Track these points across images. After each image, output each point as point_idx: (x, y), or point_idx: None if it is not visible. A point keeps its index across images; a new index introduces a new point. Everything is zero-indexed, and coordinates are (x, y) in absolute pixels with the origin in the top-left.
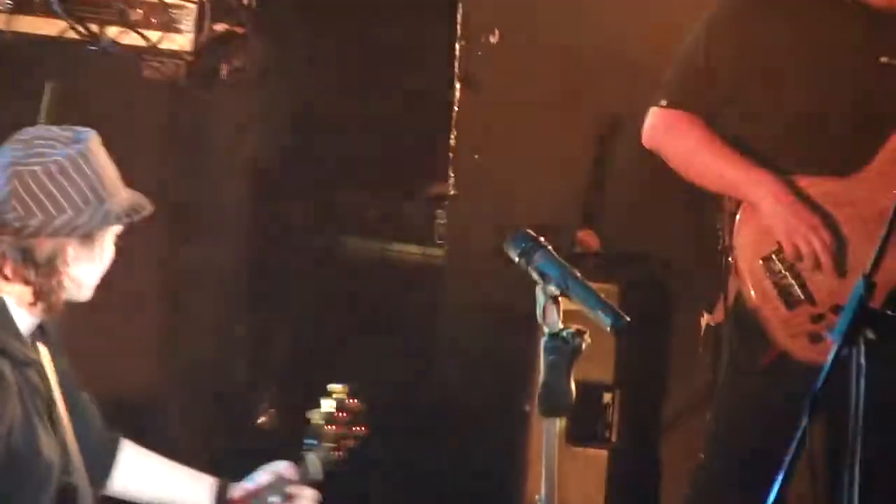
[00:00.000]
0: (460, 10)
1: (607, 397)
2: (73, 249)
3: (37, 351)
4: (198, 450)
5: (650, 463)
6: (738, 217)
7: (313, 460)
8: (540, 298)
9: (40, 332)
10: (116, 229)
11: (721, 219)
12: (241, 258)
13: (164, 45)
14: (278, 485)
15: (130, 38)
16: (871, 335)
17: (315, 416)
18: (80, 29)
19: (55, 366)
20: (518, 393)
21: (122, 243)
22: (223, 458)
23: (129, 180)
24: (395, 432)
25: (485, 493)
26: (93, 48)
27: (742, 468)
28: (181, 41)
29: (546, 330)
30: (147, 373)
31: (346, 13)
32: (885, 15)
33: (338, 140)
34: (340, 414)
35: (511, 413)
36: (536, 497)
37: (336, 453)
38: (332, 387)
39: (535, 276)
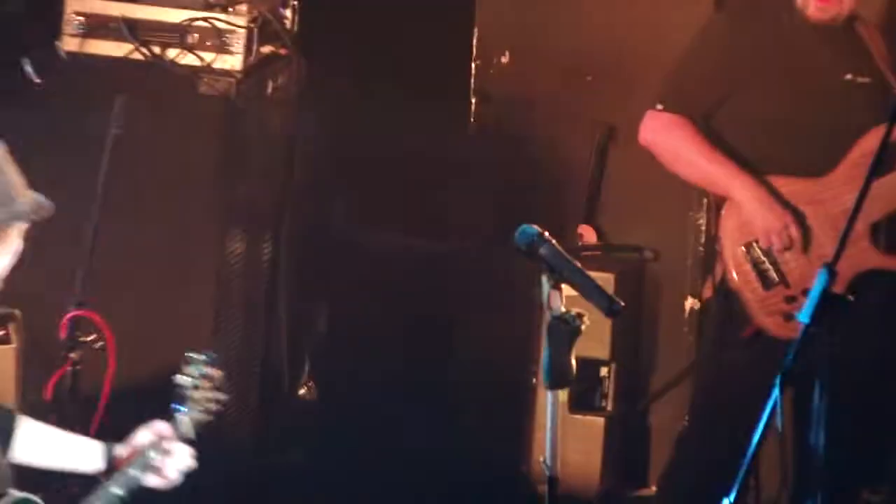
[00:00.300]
0: (475, 35)
1: (604, 371)
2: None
3: None
4: (243, 415)
5: (641, 429)
6: (722, 211)
7: (185, 421)
8: (545, 285)
9: None
10: (23, 226)
11: (703, 216)
12: (285, 249)
13: (217, 65)
14: (157, 442)
15: (188, 59)
16: (833, 315)
17: (182, 382)
18: (145, 51)
19: None
20: (526, 367)
21: (181, 235)
22: (267, 423)
23: (187, 179)
24: (419, 401)
25: (497, 456)
26: (156, 67)
27: (720, 431)
28: (232, 61)
29: (550, 313)
30: (202, 347)
31: (375, 37)
32: (849, 38)
33: (367, 146)
34: (204, 380)
35: (521, 387)
36: (541, 458)
37: (204, 416)
38: (193, 356)
39: (540, 265)
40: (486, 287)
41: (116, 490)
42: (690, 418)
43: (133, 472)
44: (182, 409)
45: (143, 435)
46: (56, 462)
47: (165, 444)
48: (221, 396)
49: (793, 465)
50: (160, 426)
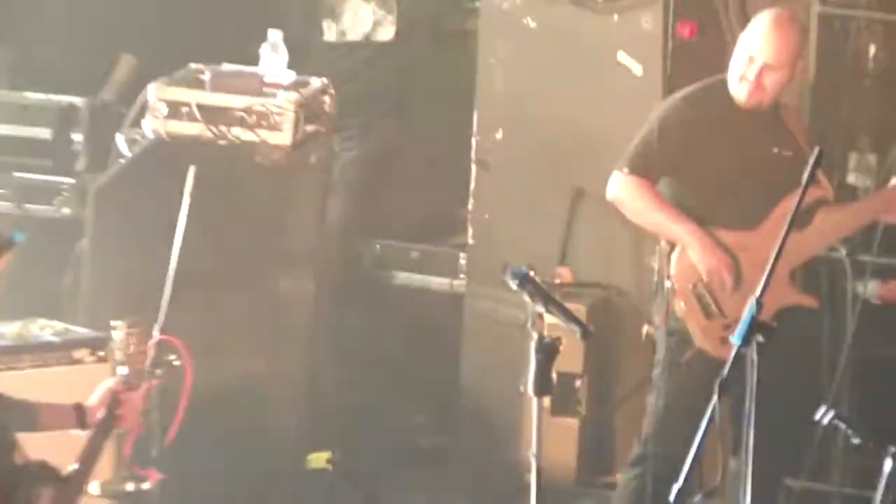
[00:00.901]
0: (476, 116)
1: (577, 383)
2: None
3: None
4: (291, 419)
5: (608, 428)
6: (674, 255)
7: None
8: (530, 314)
9: None
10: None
11: (655, 260)
12: (326, 283)
13: (270, 140)
14: (114, 395)
15: (247, 136)
16: (760, 339)
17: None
18: (213, 129)
19: None
20: (517, 380)
21: (242, 272)
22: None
23: (247, 229)
24: (432, 406)
25: (494, 450)
26: (221, 142)
27: (673, 430)
28: (282, 137)
29: (535, 336)
30: (261, 363)
31: (396, 118)
32: (776, 121)
33: (391, 203)
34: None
35: (511, 394)
36: (530, 452)
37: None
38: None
39: (527, 298)
40: (487, 316)
41: None
42: (648, 421)
43: None
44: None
45: (102, 391)
46: None
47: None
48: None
49: (728, 456)
50: (111, 381)
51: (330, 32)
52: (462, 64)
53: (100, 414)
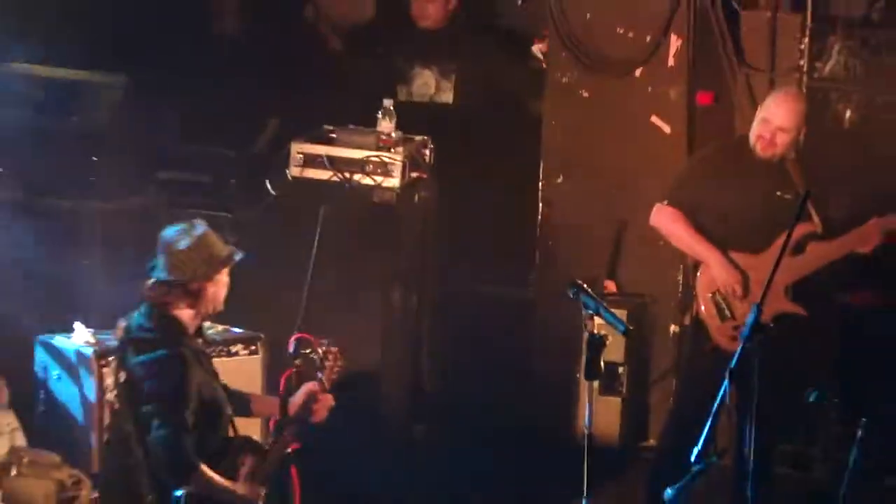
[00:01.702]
0: (542, 164)
1: (620, 370)
2: (209, 287)
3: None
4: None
5: (643, 406)
6: (699, 271)
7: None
8: (584, 316)
9: (198, 331)
10: (226, 270)
11: (680, 274)
12: (428, 297)
13: (384, 184)
14: (312, 394)
15: (366, 181)
16: (760, 335)
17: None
18: (340, 176)
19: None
20: (575, 368)
21: (362, 288)
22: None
23: (365, 254)
24: (509, 388)
25: (555, 425)
26: (347, 186)
27: (694, 407)
28: (393, 182)
29: (587, 334)
30: (376, 356)
31: (478, 166)
32: (781, 169)
33: (477, 234)
34: (330, 354)
35: (569, 379)
36: (584, 424)
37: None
38: (322, 342)
39: (581, 304)
40: (553, 321)
41: None
42: (675, 399)
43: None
44: (320, 374)
45: (301, 392)
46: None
47: (318, 396)
48: (339, 367)
49: (736, 426)
50: (310, 384)
51: (401, 94)
52: (519, 123)
53: (299, 407)
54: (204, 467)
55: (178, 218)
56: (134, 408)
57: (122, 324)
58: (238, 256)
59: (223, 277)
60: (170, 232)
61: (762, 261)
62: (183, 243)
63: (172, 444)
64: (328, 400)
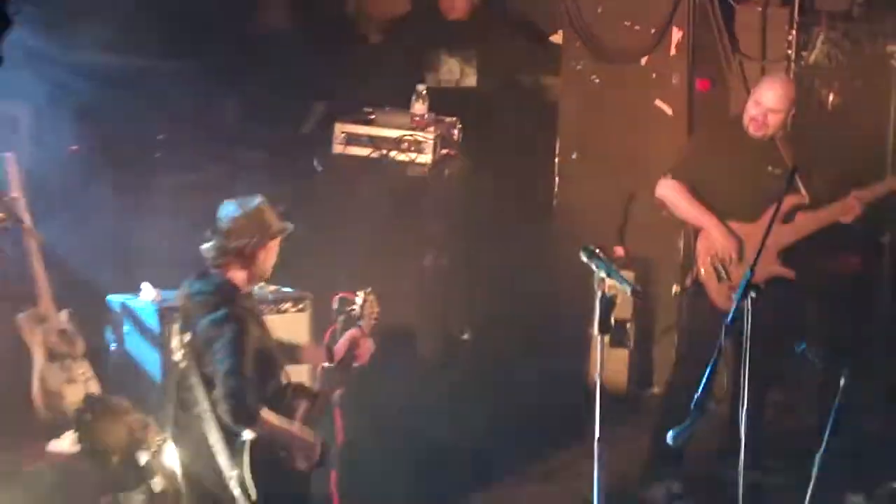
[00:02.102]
0: (558, 142)
1: (628, 325)
2: (261, 252)
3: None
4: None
5: (648, 357)
6: (699, 236)
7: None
8: (596, 278)
9: (249, 293)
10: (277, 240)
11: (682, 240)
12: (456, 258)
13: (417, 160)
14: (354, 340)
15: (401, 157)
16: (753, 296)
17: (357, 303)
18: (378, 152)
19: None
20: (588, 323)
21: (397, 253)
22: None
23: (399, 221)
24: (530, 345)
25: (570, 373)
26: (384, 161)
27: (695, 358)
28: (425, 158)
29: (599, 293)
30: (412, 308)
31: (502, 147)
32: (772, 146)
33: (499, 204)
34: (367, 302)
35: (582, 333)
36: (595, 373)
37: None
38: (359, 293)
39: (594, 267)
40: (571, 283)
41: None
42: (677, 352)
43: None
44: (360, 322)
45: (345, 338)
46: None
47: (360, 342)
48: (377, 314)
49: (731, 376)
50: (352, 330)
51: (430, 80)
52: (537, 105)
53: (343, 353)
54: (264, 411)
55: (237, 190)
56: (199, 363)
57: (184, 288)
58: (289, 229)
59: (274, 246)
60: (229, 203)
61: (755, 229)
62: (240, 213)
63: (236, 392)
64: (369, 345)
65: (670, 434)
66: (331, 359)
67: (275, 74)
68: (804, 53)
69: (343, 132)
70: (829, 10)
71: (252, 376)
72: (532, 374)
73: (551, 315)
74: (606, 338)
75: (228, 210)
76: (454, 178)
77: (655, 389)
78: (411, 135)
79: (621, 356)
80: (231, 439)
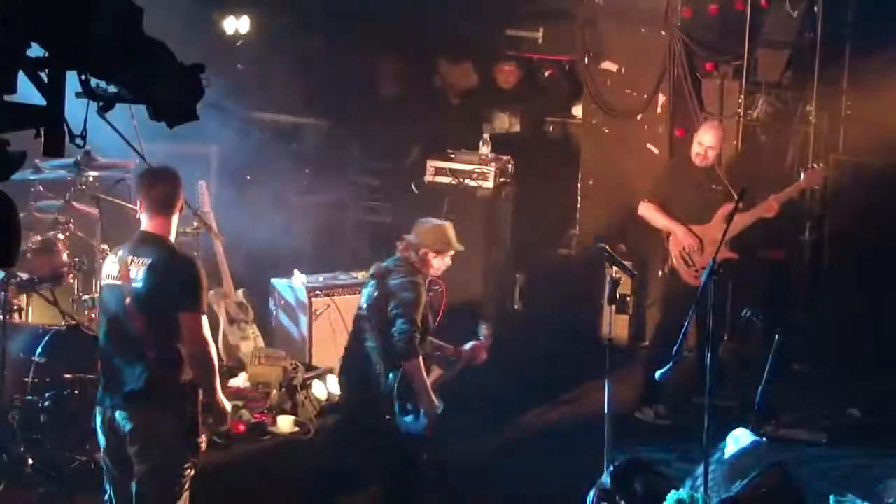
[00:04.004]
0: (580, 172)
1: (628, 298)
2: (435, 259)
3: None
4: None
5: (642, 320)
6: (669, 238)
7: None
8: (606, 265)
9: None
10: (451, 253)
11: (661, 241)
12: (512, 255)
13: (483, 185)
14: (479, 348)
15: (473, 183)
16: (715, 277)
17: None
18: (457, 180)
19: None
20: (600, 297)
21: (471, 251)
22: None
23: (473, 229)
24: (564, 309)
25: (589, 331)
26: (461, 187)
27: (671, 323)
28: (489, 184)
29: (608, 276)
30: (481, 293)
31: (535, 168)
32: (713, 171)
33: (540, 216)
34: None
35: (596, 303)
36: (605, 332)
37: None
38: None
39: (605, 258)
40: (588, 273)
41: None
42: (660, 316)
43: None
44: (482, 337)
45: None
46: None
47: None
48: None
49: (699, 334)
50: (479, 343)
51: (486, 130)
52: (565, 147)
53: (469, 354)
54: (421, 359)
55: (361, 208)
56: (381, 311)
57: (377, 267)
58: (460, 248)
59: (446, 258)
60: (427, 218)
61: (707, 229)
62: (431, 225)
63: (409, 334)
64: (485, 355)
65: (657, 373)
66: (459, 356)
67: (387, 125)
68: (750, 111)
69: (432, 166)
70: (767, 80)
71: (419, 328)
72: (564, 331)
73: (576, 291)
74: (613, 307)
75: (425, 220)
76: (509, 197)
77: (646, 343)
78: (479, 168)
79: (623, 320)
80: (387, 378)
